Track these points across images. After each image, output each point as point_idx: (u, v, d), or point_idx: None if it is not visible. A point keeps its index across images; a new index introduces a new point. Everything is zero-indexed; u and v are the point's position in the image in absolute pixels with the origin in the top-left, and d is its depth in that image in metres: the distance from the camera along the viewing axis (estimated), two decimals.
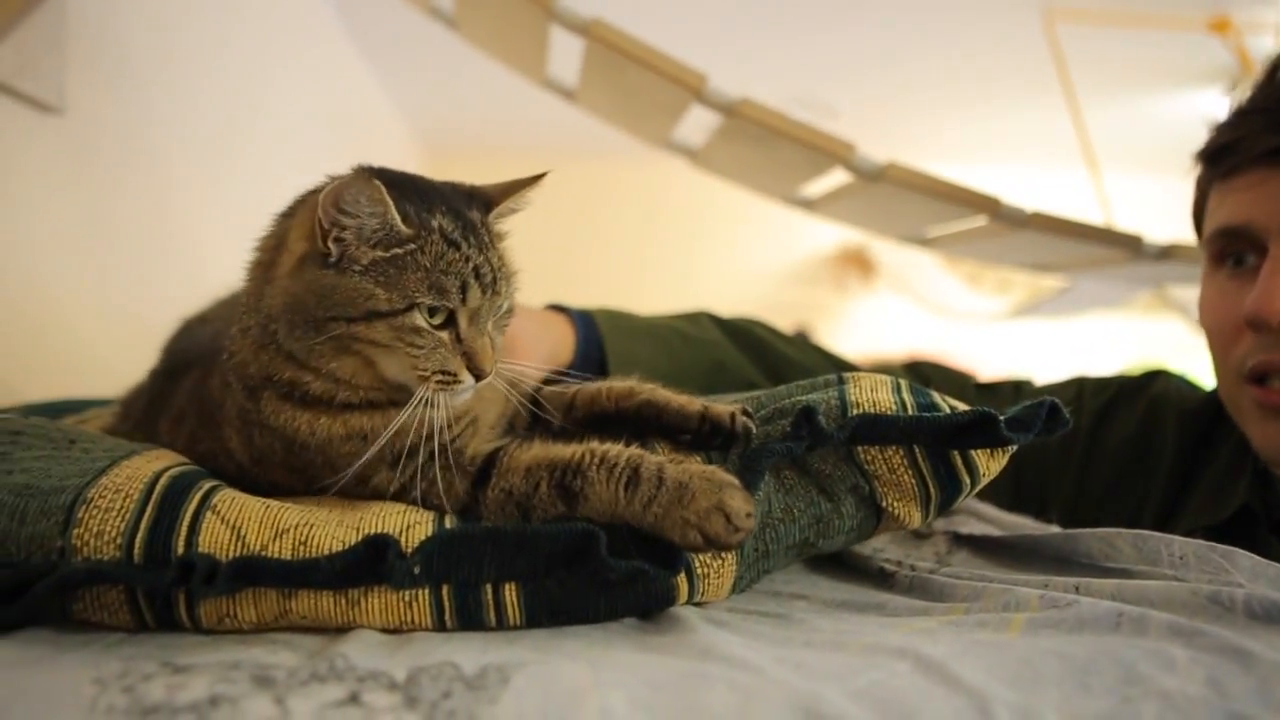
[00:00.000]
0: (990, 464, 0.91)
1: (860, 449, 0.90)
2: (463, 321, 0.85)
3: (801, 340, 1.59)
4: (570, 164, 6.42)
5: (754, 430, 0.90)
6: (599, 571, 0.80)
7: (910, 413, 0.91)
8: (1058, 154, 4.84)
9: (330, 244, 0.82)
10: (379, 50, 4.45)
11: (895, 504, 0.92)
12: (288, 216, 0.90)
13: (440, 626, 0.79)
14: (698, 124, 1.82)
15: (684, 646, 0.71)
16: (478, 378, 0.85)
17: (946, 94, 4.76)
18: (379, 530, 0.79)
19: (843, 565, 1.06)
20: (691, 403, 0.93)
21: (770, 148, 1.63)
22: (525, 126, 5.71)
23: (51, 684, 0.61)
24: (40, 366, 1.73)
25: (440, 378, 0.84)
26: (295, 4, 3.69)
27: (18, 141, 1.80)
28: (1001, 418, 0.86)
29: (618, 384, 0.98)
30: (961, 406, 0.93)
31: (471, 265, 0.84)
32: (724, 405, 0.92)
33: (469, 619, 0.79)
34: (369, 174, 0.81)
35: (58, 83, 1.88)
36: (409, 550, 0.78)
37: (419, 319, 0.83)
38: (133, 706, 0.56)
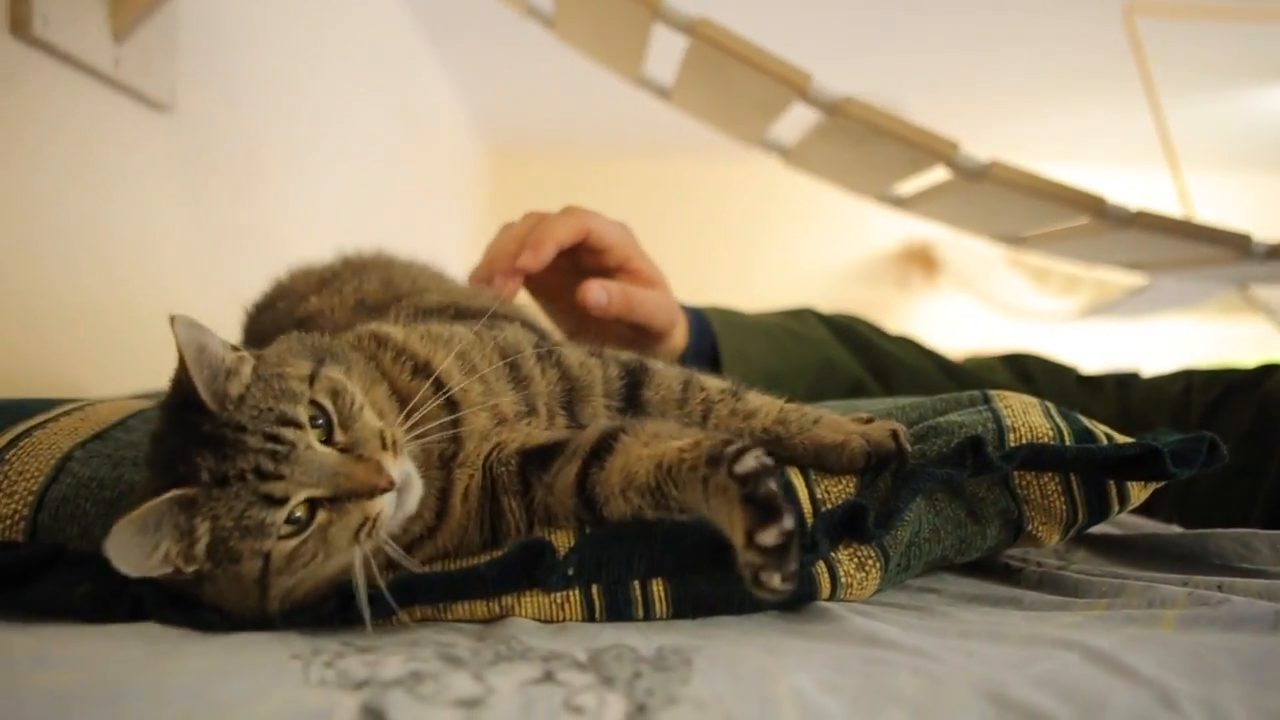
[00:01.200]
0: (1141, 492, 0.92)
1: (1017, 475, 0.91)
2: (314, 492, 0.73)
3: (903, 339, 1.59)
4: (632, 162, 6.45)
5: (909, 451, 0.89)
6: None
7: (1067, 438, 0.91)
8: (1134, 151, 4.75)
9: (181, 574, 0.75)
10: (448, 45, 4.50)
11: (1040, 527, 0.93)
12: None
13: (589, 620, 0.81)
14: (793, 122, 1.83)
15: (846, 634, 0.73)
16: (381, 487, 0.73)
17: (1021, 90, 4.69)
18: None
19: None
20: (849, 438, 0.89)
21: (870, 146, 1.63)
22: (587, 125, 5.75)
23: (257, 658, 0.64)
24: (148, 354, 1.79)
25: (362, 533, 0.73)
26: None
27: (132, 138, 1.87)
28: (1166, 450, 0.86)
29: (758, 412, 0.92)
30: (1118, 436, 0.93)
31: (251, 475, 0.71)
32: (881, 425, 0.90)
33: (618, 614, 0.82)
34: None
35: (170, 82, 1.94)
36: (562, 553, 0.80)
37: (286, 546, 0.73)
38: (342, 679, 0.59)
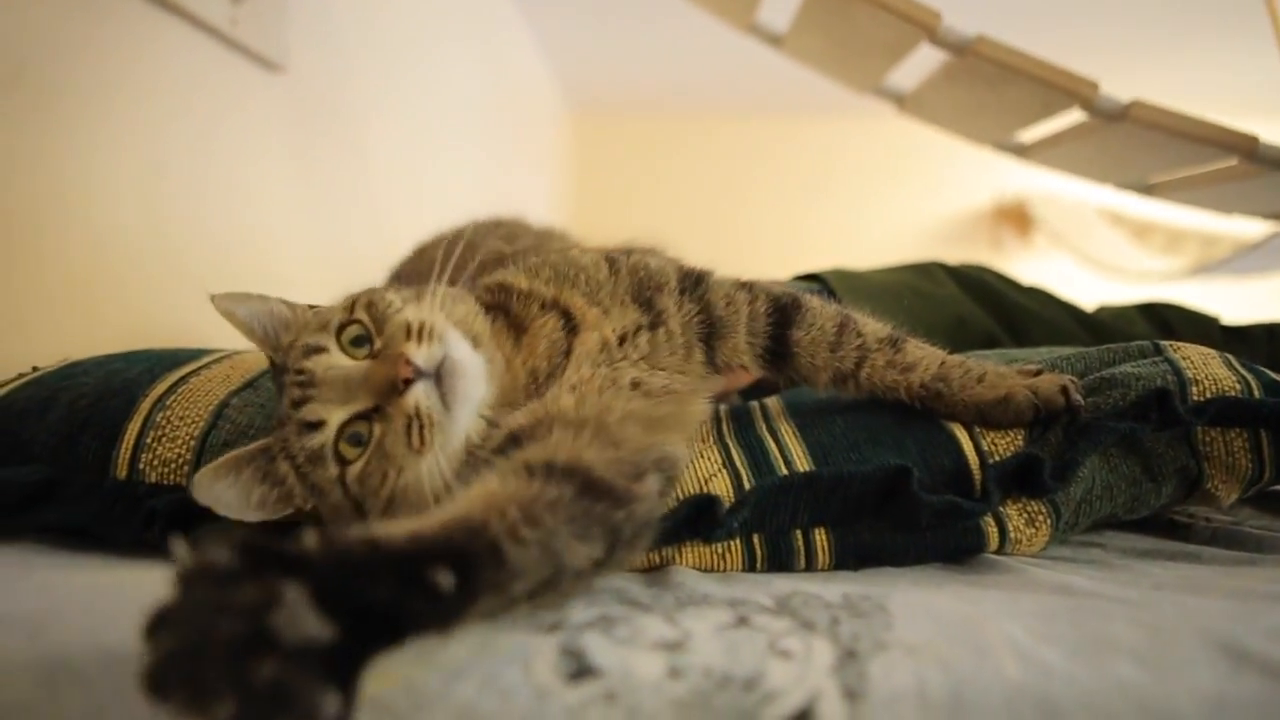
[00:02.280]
0: None
1: (1200, 430, 0.86)
2: (359, 406, 0.72)
3: (1035, 289, 1.53)
4: (720, 125, 6.36)
5: (1080, 404, 0.85)
6: (911, 510, 0.79)
7: (1256, 391, 0.86)
8: (1256, 101, 4.50)
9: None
10: (535, 8, 4.47)
11: (1219, 485, 0.88)
12: None
13: (750, 569, 0.79)
14: (912, 67, 1.77)
15: (1034, 584, 0.69)
16: (409, 377, 0.69)
17: (1133, 36, 4.47)
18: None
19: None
20: (1015, 390, 0.85)
21: (1000, 88, 1.56)
22: (670, 88, 5.67)
23: None
24: None
25: (417, 439, 0.70)
26: None
27: (246, 96, 1.89)
28: None
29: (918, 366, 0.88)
30: None
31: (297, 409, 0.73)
32: (1049, 379, 0.85)
33: (779, 564, 0.80)
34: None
35: (283, 42, 1.95)
36: (728, 506, 0.78)
37: (357, 467, 0.72)
38: (530, 622, 0.57)
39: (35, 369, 1.00)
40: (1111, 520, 0.91)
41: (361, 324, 0.75)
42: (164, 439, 0.85)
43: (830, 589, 0.67)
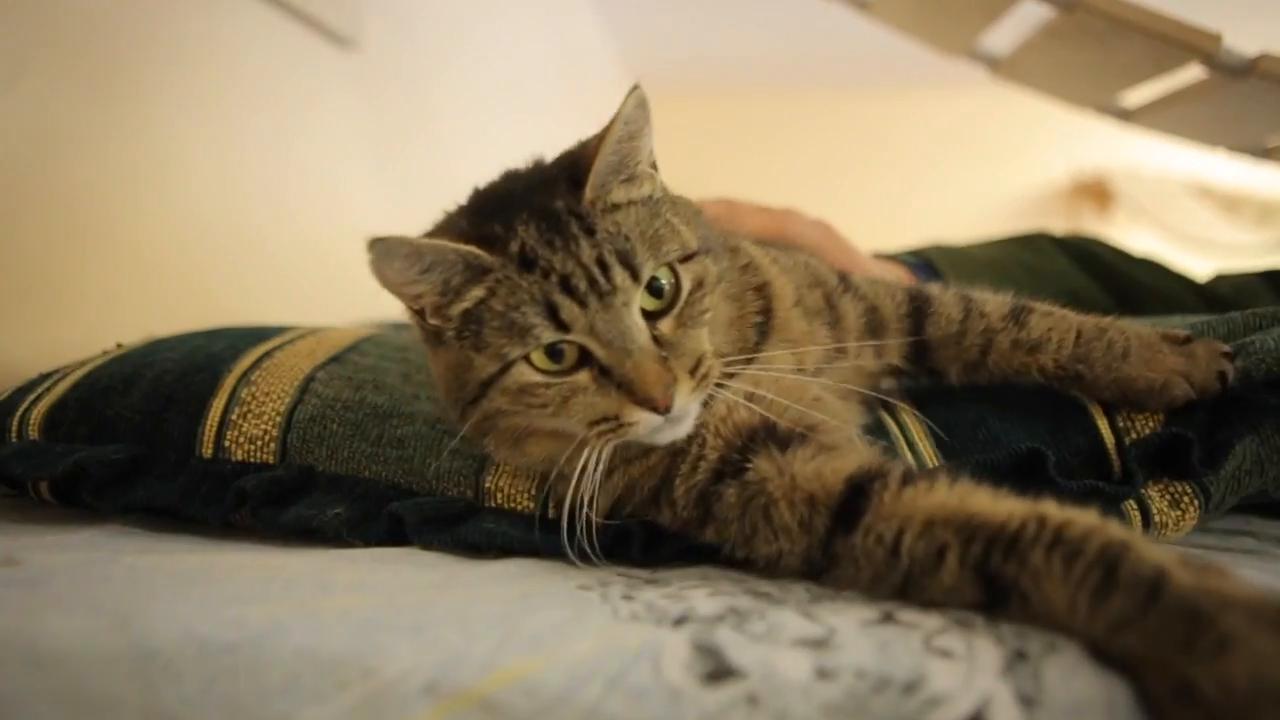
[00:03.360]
0: None
1: None
2: (597, 349, 0.64)
3: (1148, 260, 1.43)
4: (786, 100, 6.24)
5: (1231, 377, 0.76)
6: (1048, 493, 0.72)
7: None
8: None
9: (424, 318, 0.69)
10: None
11: None
12: None
13: None
14: (1004, 30, 1.67)
15: None
16: (656, 409, 0.62)
17: None
18: None
19: (1258, 501, 0.93)
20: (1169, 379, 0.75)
21: (1110, 45, 1.45)
22: (734, 64, 5.58)
23: (548, 588, 0.59)
24: (335, 286, 1.79)
25: (600, 428, 0.64)
26: None
27: (317, 71, 1.86)
28: None
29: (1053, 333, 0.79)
30: None
31: (556, 278, 0.63)
32: (1204, 354, 0.76)
33: None
34: (390, 239, 0.63)
35: (355, 17, 1.92)
36: None
37: (528, 373, 0.64)
38: (654, 615, 0.52)
39: (119, 345, 0.97)
40: (1261, 498, 0.83)
41: (676, 288, 0.66)
42: (250, 415, 0.82)
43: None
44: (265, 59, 1.65)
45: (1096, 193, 6.74)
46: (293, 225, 1.74)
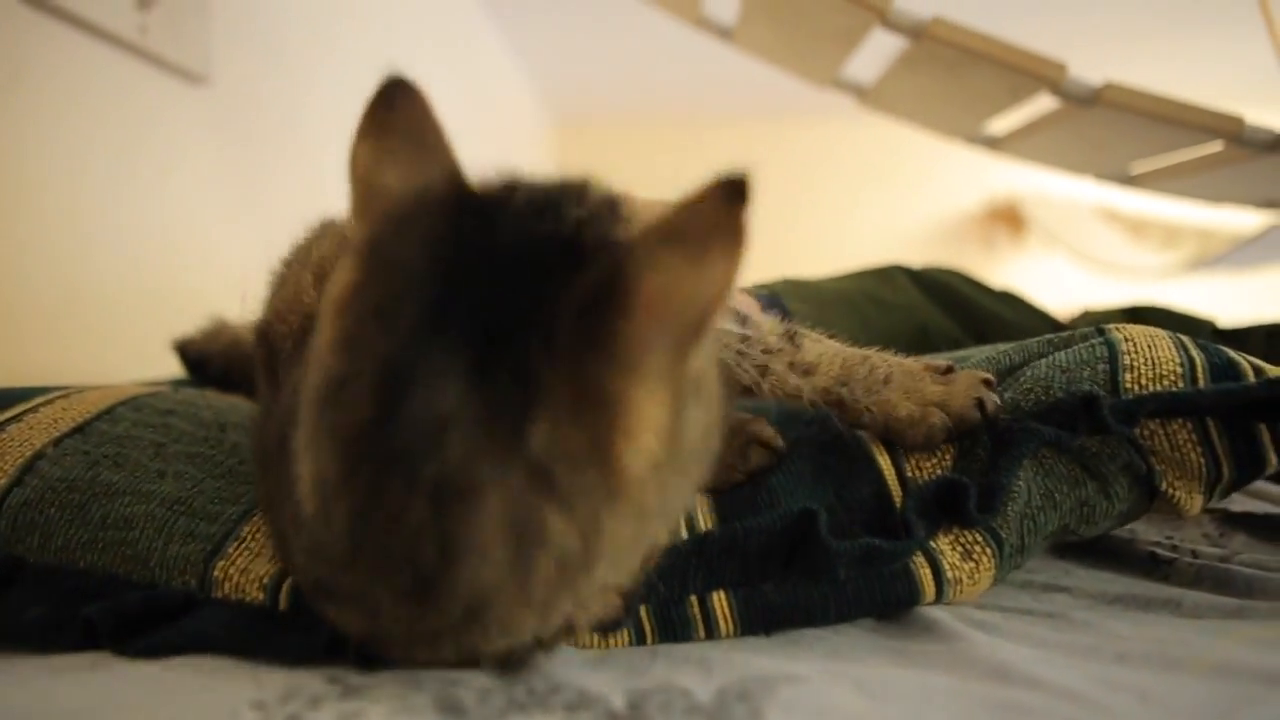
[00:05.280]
0: None
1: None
2: None
3: (1007, 294, 1.40)
4: (704, 131, 6.25)
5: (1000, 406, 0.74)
6: (821, 560, 0.66)
7: (1201, 374, 0.74)
8: (1248, 89, 4.37)
9: None
10: (507, 13, 4.36)
11: (1175, 486, 0.75)
12: None
13: (640, 644, 0.66)
14: (870, 56, 1.65)
15: (964, 662, 0.56)
16: None
17: (1109, 23, 4.34)
18: None
19: (1093, 548, 0.88)
20: (926, 413, 0.73)
21: (962, 74, 1.43)
22: (652, 94, 5.58)
23: (208, 708, 0.51)
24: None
25: None
26: None
27: (165, 111, 1.76)
28: None
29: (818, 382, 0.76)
30: (1271, 369, 0.75)
31: None
32: (964, 385, 0.73)
33: (672, 635, 0.66)
34: None
35: (204, 51, 1.83)
36: None
37: None
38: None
39: None
40: (1070, 536, 0.78)
41: None
42: None
43: (712, 679, 0.53)
44: (100, 100, 1.56)
45: (1009, 217, 6.87)
46: (143, 269, 1.64)
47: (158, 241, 1.71)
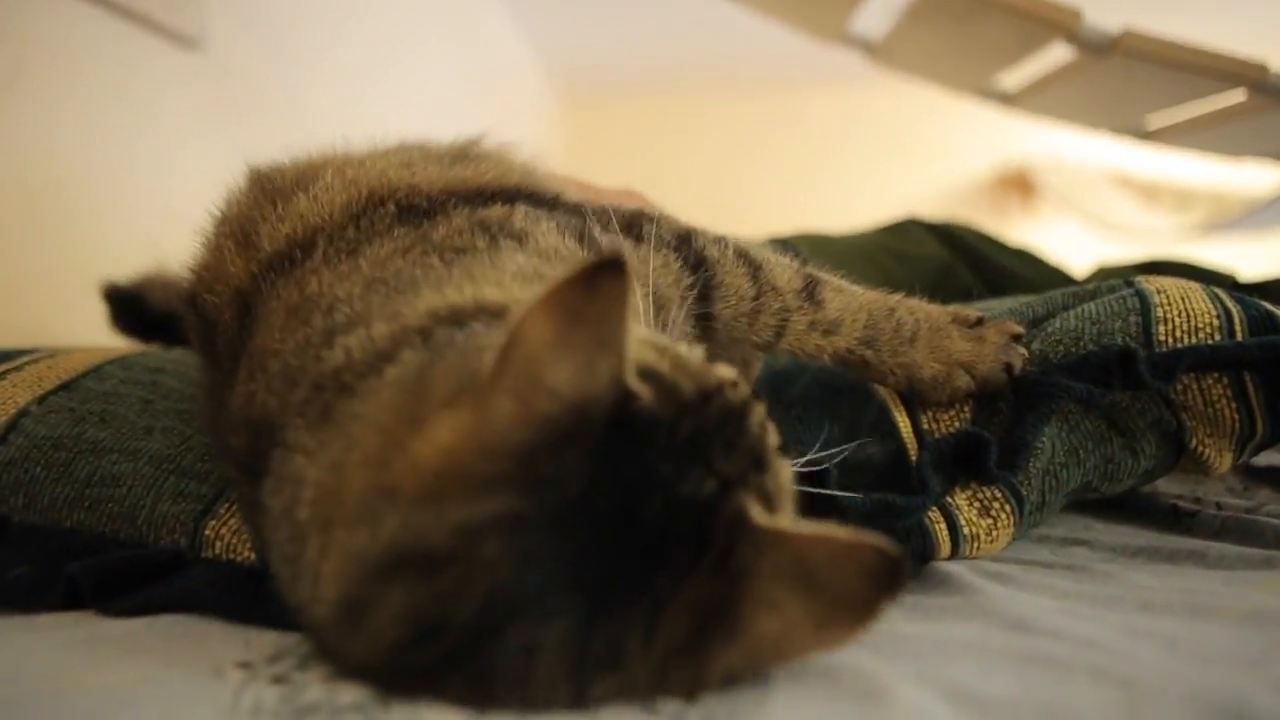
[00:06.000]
0: None
1: None
2: None
3: (1023, 251, 1.36)
4: (712, 100, 6.18)
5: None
6: (831, 515, 0.63)
7: (1239, 326, 0.70)
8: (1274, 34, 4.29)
9: None
10: None
11: (1205, 443, 0.72)
12: None
13: None
14: (877, 13, 1.61)
15: (983, 614, 0.53)
16: None
17: None
18: None
19: (1112, 503, 0.85)
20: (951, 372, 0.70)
21: (973, 24, 1.39)
22: (660, 65, 5.51)
23: (188, 670, 0.48)
24: None
25: None
26: None
27: (159, 76, 1.73)
28: None
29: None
30: None
31: None
32: (993, 340, 0.70)
33: None
34: None
35: (199, 16, 1.80)
36: None
37: None
38: (282, 707, 0.42)
39: None
40: (1091, 494, 0.75)
41: None
42: None
43: None
44: (93, 66, 1.53)
45: (1020, 184, 6.78)
46: (122, 241, 1.62)
47: (157, 208, 1.69)
